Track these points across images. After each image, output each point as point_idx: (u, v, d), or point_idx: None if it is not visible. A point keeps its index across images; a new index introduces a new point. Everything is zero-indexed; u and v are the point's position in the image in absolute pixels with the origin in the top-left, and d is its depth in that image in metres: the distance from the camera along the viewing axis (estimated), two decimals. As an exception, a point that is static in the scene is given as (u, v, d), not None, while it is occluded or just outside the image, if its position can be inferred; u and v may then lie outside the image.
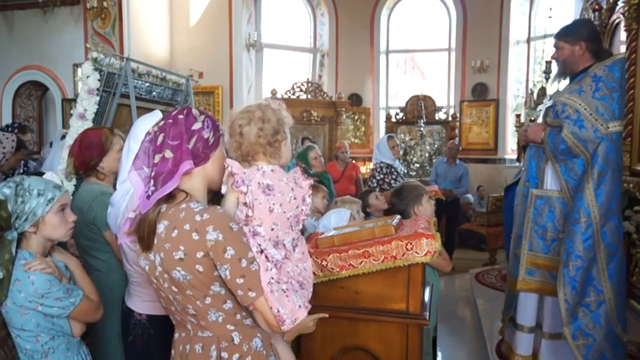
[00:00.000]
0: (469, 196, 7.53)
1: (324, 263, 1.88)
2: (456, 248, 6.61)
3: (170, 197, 1.36)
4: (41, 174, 3.21)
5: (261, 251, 1.43)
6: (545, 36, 7.75)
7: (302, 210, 1.53)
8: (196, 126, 1.39)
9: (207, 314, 1.38)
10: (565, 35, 2.66)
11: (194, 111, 1.43)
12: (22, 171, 4.10)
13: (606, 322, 2.44)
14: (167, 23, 7.99)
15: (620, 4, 4.00)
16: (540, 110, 2.89)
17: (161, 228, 1.35)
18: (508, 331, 2.90)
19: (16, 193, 1.59)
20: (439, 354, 3.50)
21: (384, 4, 9.13)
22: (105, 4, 6.89)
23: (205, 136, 1.41)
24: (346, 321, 1.93)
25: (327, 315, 1.79)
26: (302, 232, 1.75)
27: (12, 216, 1.57)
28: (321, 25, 9.29)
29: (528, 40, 8.46)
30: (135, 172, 1.39)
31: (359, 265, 1.86)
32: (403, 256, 1.82)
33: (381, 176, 5.00)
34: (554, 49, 2.74)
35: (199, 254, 1.30)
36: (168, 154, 1.34)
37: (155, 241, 1.36)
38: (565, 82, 2.86)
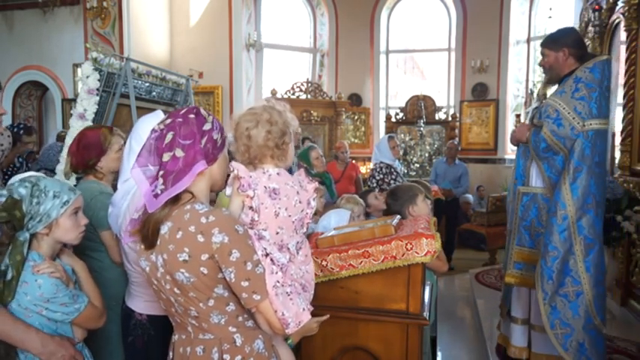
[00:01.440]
0: (469, 195, 7.53)
1: (324, 263, 1.88)
2: (456, 248, 6.61)
3: (175, 198, 1.34)
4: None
5: (267, 254, 1.42)
6: (545, 36, 7.73)
7: (307, 213, 1.52)
8: (207, 126, 1.38)
9: (209, 316, 1.37)
10: (549, 42, 2.79)
11: (203, 111, 1.42)
12: (24, 171, 4.10)
13: (585, 312, 2.51)
14: (167, 23, 7.98)
15: (620, 4, 4.00)
16: (528, 113, 2.97)
17: (165, 229, 1.33)
18: (504, 324, 3.00)
19: (32, 194, 1.57)
20: (439, 354, 3.50)
21: (384, 4, 9.13)
22: (105, 4, 6.90)
23: (215, 137, 1.39)
24: (346, 321, 1.93)
25: (328, 316, 1.80)
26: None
27: (26, 216, 1.56)
28: (321, 25, 9.29)
29: (528, 40, 8.46)
30: (139, 169, 1.36)
31: (359, 265, 1.86)
32: (403, 256, 1.82)
33: (381, 176, 4.99)
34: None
35: (204, 256, 1.29)
36: (179, 152, 1.32)
37: (158, 242, 1.35)
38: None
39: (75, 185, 2.62)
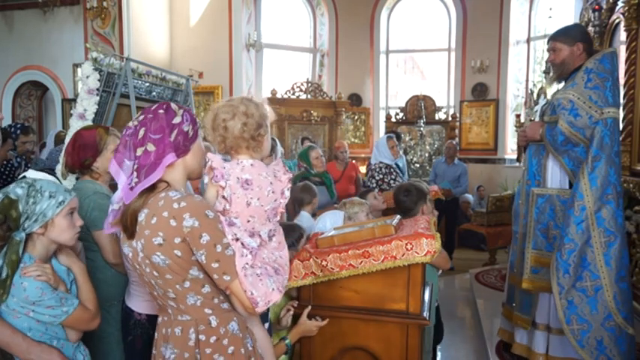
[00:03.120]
0: (468, 195, 7.53)
1: (324, 263, 1.88)
2: (456, 248, 6.61)
3: (152, 187, 1.42)
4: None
5: (237, 239, 1.47)
6: (545, 36, 7.74)
7: (280, 203, 1.56)
8: (176, 120, 1.46)
9: (186, 298, 1.44)
10: (561, 36, 2.71)
11: (173, 105, 1.49)
12: (22, 170, 4.10)
13: (604, 308, 2.45)
14: (167, 23, 7.98)
15: (620, 4, 4.00)
16: (536, 111, 2.89)
17: (142, 216, 1.41)
18: (527, 334, 2.84)
19: (28, 194, 1.60)
20: (439, 354, 3.50)
21: (384, 4, 9.13)
22: (105, 4, 6.89)
23: (185, 129, 1.47)
24: (346, 321, 1.93)
25: (327, 321, 1.88)
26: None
27: (22, 216, 1.58)
28: (321, 25, 9.29)
29: (528, 40, 8.46)
30: (116, 164, 1.45)
31: (359, 265, 1.86)
32: (403, 256, 1.82)
33: (380, 176, 4.99)
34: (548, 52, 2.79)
35: (177, 240, 1.37)
36: (151, 147, 1.41)
37: (137, 229, 1.42)
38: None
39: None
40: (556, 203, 2.63)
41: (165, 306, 1.50)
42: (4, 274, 1.52)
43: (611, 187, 2.47)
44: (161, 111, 1.46)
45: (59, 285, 1.64)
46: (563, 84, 2.82)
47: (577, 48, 2.65)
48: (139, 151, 1.41)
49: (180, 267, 1.40)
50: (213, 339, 1.46)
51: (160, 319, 1.55)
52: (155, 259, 1.40)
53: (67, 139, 3.59)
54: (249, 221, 1.49)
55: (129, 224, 1.43)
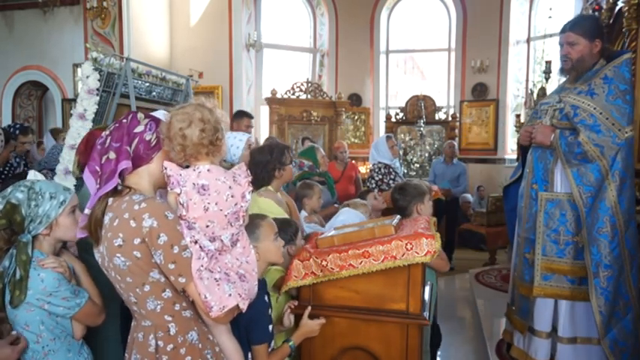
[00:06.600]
0: (468, 195, 7.53)
1: (324, 263, 1.88)
2: (456, 248, 6.60)
3: (117, 192, 1.45)
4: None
5: (195, 242, 1.47)
6: (545, 36, 7.75)
7: (241, 207, 1.53)
8: (138, 129, 1.49)
9: (145, 302, 1.45)
10: (580, 29, 2.49)
11: (139, 115, 1.52)
12: (21, 170, 4.10)
13: (634, 326, 2.43)
14: (167, 23, 7.98)
15: (620, 4, 4.00)
16: (545, 111, 2.67)
17: (106, 220, 1.44)
18: (524, 339, 2.80)
19: (29, 197, 1.63)
20: (439, 353, 3.50)
21: (384, 4, 9.13)
22: (105, 4, 6.90)
23: (147, 138, 1.49)
24: (346, 321, 1.93)
25: (324, 320, 1.88)
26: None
27: (26, 220, 1.62)
28: (321, 25, 9.29)
29: (528, 40, 8.46)
30: (89, 172, 1.49)
31: (359, 265, 1.86)
32: (403, 256, 1.83)
33: (380, 176, 4.99)
34: (556, 46, 2.63)
35: (136, 240, 1.39)
36: (112, 155, 1.45)
37: (103, 233, 1.45)
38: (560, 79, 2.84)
39: (75, 186, 2.61)
40: (567, 208, 2.53)
41: (132, 311, 1.53)
42: (18, 275, 1.56)
43: (633, 206, 2.42)
44: (125, 120, 1.50)
45: (71, 279, 1.68)
46: (564, 78, 2.73)
47: (595, 45, 2.47)
48: (103, 159, 1.46)
49: (140, 269, 1.41)
50: (170, 347, 1.46)
51: (132, 323, 1.58)
52: (116, 262, 1.42)
53: (68, 139, 3.61)
54: (208, 226, 1.47)
55: (93, 229, 1.46)
